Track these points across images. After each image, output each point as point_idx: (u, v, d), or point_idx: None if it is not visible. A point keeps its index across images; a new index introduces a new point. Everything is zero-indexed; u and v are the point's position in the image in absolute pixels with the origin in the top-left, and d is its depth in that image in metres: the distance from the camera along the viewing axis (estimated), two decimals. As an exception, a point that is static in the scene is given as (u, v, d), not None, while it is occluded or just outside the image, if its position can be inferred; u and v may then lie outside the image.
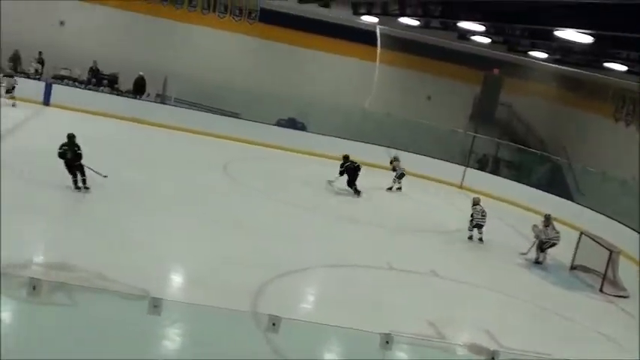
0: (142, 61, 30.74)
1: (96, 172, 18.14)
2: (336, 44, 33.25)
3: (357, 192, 23.36)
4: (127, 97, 30.23)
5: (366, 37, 31.43)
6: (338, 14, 31.16)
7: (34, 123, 25.15)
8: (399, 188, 25.35)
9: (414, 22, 26.14)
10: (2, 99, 25.86)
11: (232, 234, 16.67)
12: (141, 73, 30.45)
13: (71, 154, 17.82)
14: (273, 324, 7.42)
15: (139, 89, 30.59)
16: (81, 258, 13.06)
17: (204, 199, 19.36)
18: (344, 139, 27.58)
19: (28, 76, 29.94)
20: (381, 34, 30.75)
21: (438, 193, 26.38)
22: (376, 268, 16.45)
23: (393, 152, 26.06)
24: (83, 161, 17.90)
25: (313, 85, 32.17)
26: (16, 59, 30.86)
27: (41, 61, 30.76)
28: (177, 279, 14.41)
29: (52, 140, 18.39)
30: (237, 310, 10.55)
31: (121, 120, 27.61)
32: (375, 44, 31.10)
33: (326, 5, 29.97)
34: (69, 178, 17.84)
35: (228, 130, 27.78)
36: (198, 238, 15.99)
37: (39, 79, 29.71)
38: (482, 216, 20.50)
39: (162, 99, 31.42)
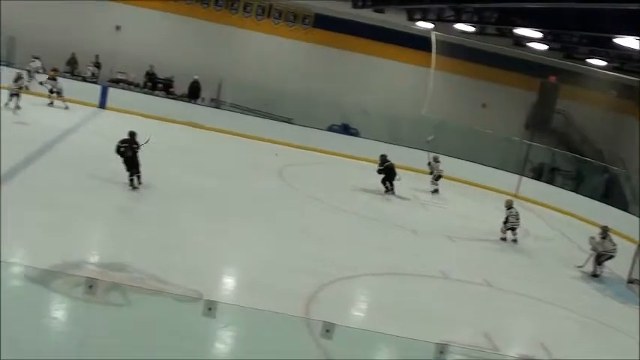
0: (197, 65, 30.98)
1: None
2: (390, 50, 33.10)
3: (392, 191, 23.63)
4: (182, 101, 30.45)
5: (420, 43, 31.24)
6: (392, 20, 31.02)
7: (90, 125, 25.47)
8: (436, 190, 25.32)
9: (470, 29, 25.96)
10: (55, 101, 26.30)
11: (286, 239, 16.65)
12: (196, 78, 30.67)
13: (131, 152, 18.18)
14: (327, 330, 7.37)
15: (193, 93, 30.80)
16: (136, 259, 13.15)
17: (259, 204, 19.36)
18: (397, 145, 27.46)
19: (84, 79, 30.34)
20: (436, 40, 30.56)
21: (492, 202, 26.10)
22: (430, 277, 16.27)
23: (432, 155, 25.86)
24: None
25: (367, 90, 32.09)
26: (73, 62, 31.28)
27: (98, 65, 31.16)
28: (230, 282, 14.40)
29: (107, 141, 18.66)
30: (290, 315, 10.50)
31: (176, 124, 27.85)
32: (429, 50, 30.92)
33: (380, 11, 29.89)
34: (125, 177, 18.06)
35: (282, 135, 27.82)
36: (253, 243, 15.97)
37: (95, 82, 30.08)
38: (517, 219, 20.48)
39: (216, 103, 31.61)
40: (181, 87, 31.32)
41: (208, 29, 32.49)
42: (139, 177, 18.39)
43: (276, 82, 30.92)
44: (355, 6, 30.35)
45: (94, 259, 13.37)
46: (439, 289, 15.94)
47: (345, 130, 30.92)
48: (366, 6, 29.36)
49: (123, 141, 18.33)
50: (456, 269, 17.03)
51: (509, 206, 20.74)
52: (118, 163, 18.51)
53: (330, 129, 30.29)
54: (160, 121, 27.56)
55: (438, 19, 26.44)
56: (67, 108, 26.35)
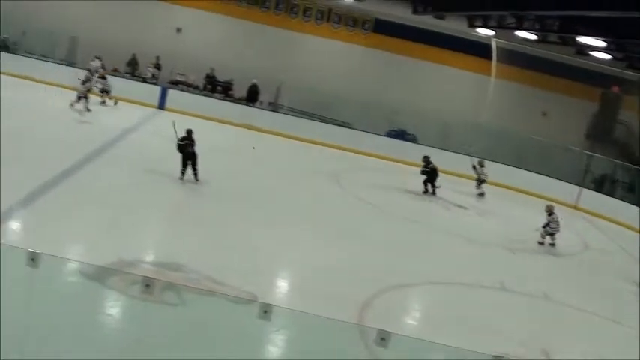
0: (256, 68, 31.07)
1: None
2: (450, 56, 32.81)
3: (433, 193, 23.74)
4: (240, 104, 30.57)
5: (481, 49, 30.99)
6: (453, 26, 30.74)
7: (149, 125, 25.71)
8: (482, 194, 25.16)
9: (531, 36, 25.64)
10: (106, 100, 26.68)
11: (342, 244, 16.51)
12: (254, 81, 30.77)
13: (191, 148, 18.66)
14: (382, 338, 7.25)
15: (252, 97, 30.90)
16: (191, 258, 13.19)
17: (314, 208, 19.32)
18: (455, 152, 27.23)
19: (144, 79, 30.65)
20: (496, 47, 30.27)
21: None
22: (487, 288, 16.03)
23: (477, 160, 25.59)
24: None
25: (426, 96, 31.87)
26: (133, 63, 31.63)
27: (158, 66, 31.45)
28: (284, 285, 14.37)
29: (166, 142, 18.85)
30: (344, 322, 10.40)
31: (234, 126, 28.00)
32: (489, 57, 30.64)
33: (441, 17, 29.67)
34: (187, 179, 18.22)
35: (340, 140, 27.74)
36: (307, 246, 15.92)
37: (155, 84, 30.36)
38: (557, 225, 20.37)
39: (274, 107, 31.66)
40: (240, 90, 31.44)
41: (267, 33, 32.59)
42: (195, 174, 18.81)
43: (334, 86, 30.87)
44: (415, 11, 30.19)
45: (150, 257, 13.43)
46: (496, 301, 15.66)
47: (402, 136, 30.73)
48: (427, 12, 29.18)
49: (182, 138, 18.81)
50: (513, 280, 16.75)
51: (550, 212, 20.59)
52: (176, 162, 18.73)
53: (388, 134, 30.12)
54: (218, 123, 27.73)
55: (499, 26, 26.15)
56: (116, 103, 26.60)
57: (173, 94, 29.57)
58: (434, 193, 23.81)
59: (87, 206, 15.23)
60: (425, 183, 23.81)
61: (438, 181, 23.88)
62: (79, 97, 24.55)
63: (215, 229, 15.55)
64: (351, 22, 32.96)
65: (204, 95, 30.81)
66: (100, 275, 11.11)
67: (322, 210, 19.38)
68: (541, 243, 20.49)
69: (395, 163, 27.32)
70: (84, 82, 24.82)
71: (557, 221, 20.39)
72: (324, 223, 18.00)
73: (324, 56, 32.62)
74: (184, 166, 18.76)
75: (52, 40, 31.61)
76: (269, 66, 31.53)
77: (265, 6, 32.60)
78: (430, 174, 23.82)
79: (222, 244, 14.58)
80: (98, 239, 13.66)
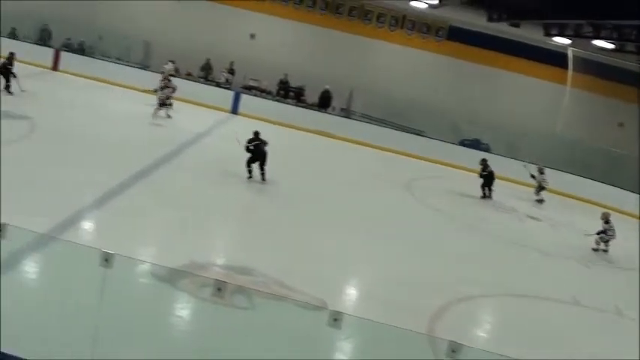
0: (329, 75, 31.12)
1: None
2: (525, 65, 32.33)
3: (489, 196, 23.66)
4: (313, 109, 30.61)
5: (556, 58, 30.48)
6: (528, 34, 30.30)
7: (222, 129, 25.91)
8: (541, 200, 24.80)
9: (609, 45, 25.14)
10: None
11: (413, 253, 16.35)
12: (327, 87, 30.79)
13: (262, 147, 19.10)
14: (453, 350, 7.13)
15: (324, 102, 30.93)
16: (261, 263, 13.18)
17: (386, 216, 19.15)
18: (530, 163, 26.80)
19: (218, 84, 30.92)
20: (572, 56, 29.75)
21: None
22: (560, 302, 15.66)
23: (537, 167, 25.22)
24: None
25: (500, 105, 31.51)
26: (207, 68, 31.94)
27: (232, 72, 31.69)
28: (354, 293, 14.27)
29: (238, 146, 19.00)
30: (415, 332, 10.29)
31: (306, 132, 28.06)
32: (565, 67, 30.13)
33: (516, 25, 29.29)
34: (254, 183, 18.27)
35: (412, 147, 27.55)
36: (378, 255, 15.78)
37: (229, 89, 30.60)
38: (613, 232, 20.11)
39: (346, 113, 31.63)
40: (312, 96, 31.50)
41: (341, 39, 32.60)
42: (263, 174, 19.13)
43: (407, 93, 30.75)
44: (490, 19, 29.85)
45: (221, 260, 13.48)
46: (569, 315, 15.29)
47: (476, 145, 30.37)
48: (502, 19, 28.83)
49: (251, 140, 19.16)
50: (585, 294, 16.36)
51: (606, 219, 20.27)
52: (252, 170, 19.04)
53: (462, 143, 29.81)
54: (289, 129, 27.82)
55: (576, 35, 25.70)
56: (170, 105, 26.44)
57: (246, 99, 29.78)
58: (490, 197, 23.68)
59: (160, 208, 15.38)
60: (482, 187, 23.65)
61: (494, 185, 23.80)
62: (161, 105, 24.64)
63: (285, 234, 15.53)
64: (424, 28, 32.76)
65: (277, 101, 30.93)
66: (172, 277, 11.17)
67: (393, 218, 19.21)
68: (595, 250, 20.18)
69: (468, 173, 26.91)
70: (162, 89, 24.94)
71: (613, 229, 20.10)
72: (394, 231, 17.82)
73: (397, 63, 32.49)
74: (250, 164, 19.18)
75: (127, 44, 32.17)
76: (342, 72, 31.55)
77: (339, 12, 32.62)
78: (487, 178, 23.67)
79: (292, 249, 14.54)
80: (170, 241, 13.78)
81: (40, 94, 24.79)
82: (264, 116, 28.33)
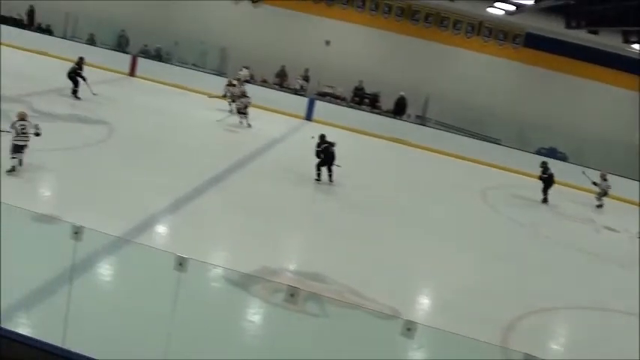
0: (404, 81, 30.96)
1: None
2: (603, 73, 31.58)
3: (545, 200, 23.27)
4: (387, 116, 30.47)
5: (635, 66, 29.77)
6: (607, 41, 29.63)
7: (296, 136, 25.98)
8: (600, 206, 24.24)
9: (690, 52, 24.51)
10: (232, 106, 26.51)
11: (486, 263, 16.10)
12: (402, 94, 30.63)
13: (331, 149, 19.34)
14: (527, 363, 6.97)
15: (399, 109, 30.77)
16: (334, 270, 13.12)
17: (461, 225, 18.90)
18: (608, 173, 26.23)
19: (295, 91, 31.01)
20: (652, 64, 29.06)
21: None
22: (634, 315, 15.25)
23: (589, 173, 24.68)
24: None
25: (577, 113, 30.86)
26: (282, 75, 32.08)
27: (306, 78, 31.76)
28: (426, 302, 14.10)
29: (311, 153, 19.05)
30: (487, 343, 10.09)
31: (380, 139, 27.96)
32: (645, 74, 29.46)
33: (594, 32, 28.68)
34: (328, 189, 18.25)
35: (488, 155, 27.20)
36: (451, 264, 15.54)
37: (303, 95, 30.67)
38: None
39: (422, 120, 31.42)
40: (387, 102, 31.37)
41: (416, 45, 32.41)
42: (330, 175, 19.45)
43: (483, 100, 30.43)
44: (568, 26, 29.25)
45: (293, 267, 13.45)
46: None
47: (553, 153, 29.82)
48: (580, 26, 28.23)
49: (319, 144, 19.45)
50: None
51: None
52: (322, 173, 18.99)
53: (538, 152, 29.28)
54: (364, 136, 27.75)
55: (656, 43, 25.08)
56: (231, 112, 26.11)
57: (320, 105, 29.79)
58: (546, 201, 23.33)
59: (233, 213, 15.45)
60: (543, 191, 23.35)
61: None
62: (240, 113, 24.71)
63: (358, 241, 15.41)
64: (501, 35, 32.35)
65: (352, 107, 30.87)
66: (244, 282, 11.19)
67: (468, 227, 18.95)
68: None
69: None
70: (240, 97, 24.99)
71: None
72: (469, 240, 17.57)
73: (473, 70, 32.14)
74: (320, 167, 19.44)
75: (204, 50, 32.54)
76: (417, 79, 31.38)
77: (415, 18, 32.44)
78: (547, 181, 23.35)
79: (366, 257, 14.45)
80: (243, 246, 13.81)
81: (118, 99, 25.21)
82: (338, 123, 28.32)
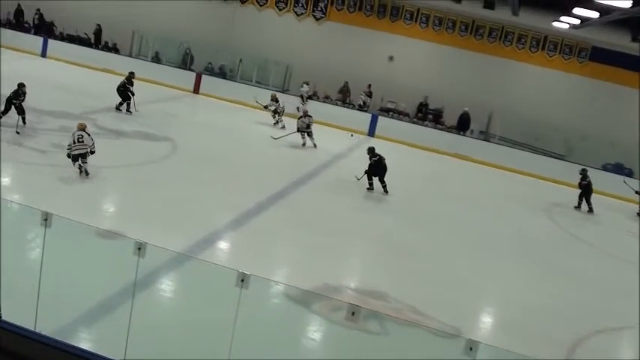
0: (468, 97, 30.78)
1: None
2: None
3: (590, 210, 23.18)
4: (451, 132, 30.27)
5: None
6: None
7: (358, 152, 25.92)
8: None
9: None
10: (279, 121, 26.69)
11: (551, 281, 15.82)
12: (466, 109, 30.41)
13: (380, 164, 19.86)
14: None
15: (463, 125, 30.55)
16: (395, 287, 13.05)
17: (523, 242, 18.63)
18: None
19: (360, 107, 30.99)
20: None
21: None
22: None
23: (631, 181, 24.82)
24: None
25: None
26: (345, 91, 32.11)
27: (369, 94, 31.73)
28: (489, 321, 13.92)
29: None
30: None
31: (444, 155, 27.80)
32: None
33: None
34: (394, 206, 18.22)
35: (553, 171, 26.79)
36: (515, 282, 15.32)
37: (366, 111, 30.65)
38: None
39: (485, 136, 31.14)
40: (451, 118, 31.18)
41: (480, 60, 32.22)
42: (384, 186, 19.92)
43: (548, 115, 30.08)
44: (634, 39, 28.85)
45: (355, 284, 13.39)
46: None
47: (619, 169, 29.26)
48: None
49: (371, 157, 20.07)
50: None
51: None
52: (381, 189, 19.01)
53: (604, 168, 28.76)
54: (427, 152, 27.61)
55: None
56: (283, 127, 26.15)
57: (383, 121, 29.73)
58: (591, 210, 23.18)
59: (295, 229, 15.46)
60: (580, 197, 23.34)
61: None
62: (301, 132, 24.28)
63: (420, 259, 15.32)
64: (567, 50, 31.95)
65: (415, 123, 30.74)
66: (305, 299, 11.16)
67: (531, 244, 18.66)
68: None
69: (608, 198, 25.94)
70: (302, 117, 24.75)
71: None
72: (532, 257, 17.32)
73: (537, 84, 31.79)
74: (371, 177, 20.00)
75: (267, 67, 32.78)
76: (481, 94, 31.19)
77: (479, 33, 32.24)
78: (585, 188, 23.22)
79: (426, 274, 14.36)
80: (304, 263, 13.81)
81: (182, 116, 25.50)
82: (401, 139, 28.28)
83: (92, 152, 16.19)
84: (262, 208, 16.46)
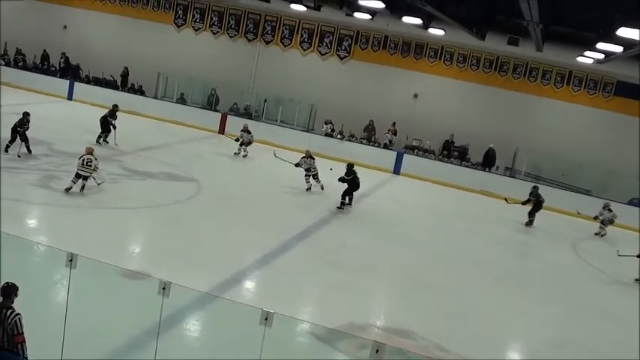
0: (493, 133, 30.69)
1: None
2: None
3: (529, 222, 23.87)
4: (476, 169, 30.19)
5: None
6: None
7: (384, 190, 26.00)
8: (600, 233, 24.32)
9: None
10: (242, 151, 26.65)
11: (576, 316, 15.67)
12: (491, 146, 30.32)
13: (354, 182, 21.16)
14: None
15: (488, 162, 30.45)
16: (421, 325, 12.97)
17: (550, 277, 18.51)
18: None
19: (385, 145, 30.99)
20: None
21: None
22: None
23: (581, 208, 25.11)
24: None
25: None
26: (370, 129, 32.16)
27: (394, 132, 31.76)
28: (515, 356, 13.81)
29: (398, 207, 18.96)
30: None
31: (470, 192, 27.74)
32: None
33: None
34: (419, 244, 18.14)
35: (579, 207, 26.56)
36: (540, 317, 15.14)
37: (391, 149, 30.67)
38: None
39: (511, 172, 31.02)
40: (476, 155, 31.10)
41: (505, 97, 32.18)
42: (351, 199, 21.38)
43: (573, 151, 29.92)
44: (659, 73, 28.74)
45: (380, 322, 13.33)
46: None
47: (645, 204, 29.01)
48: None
49: (348, 173, 21.39)
50: None
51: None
52: (407, 227, 18.84)
53: (630, 202, 28.49)
54: (453, 189, 27.58)
55: None
56: (245, 156, 26.38)
57: (409, 159, 29.75)
58: (531, 224, 23.83)
59: (319, 268, 15.44)
60: (530, 213, 23.92)
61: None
62: (309, 177, 23.47)
63: (445, 295, 15.23)
64: (591, 84, 31.85)
65: (440, 161, 30.71)
66: (330, 337, 11.13)
67: (558, 279, 18.54)
68: None
69: (635, 233, 25.64)
70: (308, 176, 23.48)
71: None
72: (558, 293, 17.21)
73: (563, 120, 31.65)
74: (345, 196, 21.27)
75: (292, 107, 32.97)
76: (506, 130, 31.12)
77: (503, 70, 32.25)
78: (536, 205, 23.87)
79: (452, 311, 14.25)
80: (329, 301, 13.78)
81: (207, 156, 25.62)
82: (427, 176, 28.30)
83: (98, 184, 18.12)
84: (287, 247, 16.50)
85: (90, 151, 17.92)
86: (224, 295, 12.14)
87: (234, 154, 26.50)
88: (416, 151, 31.36)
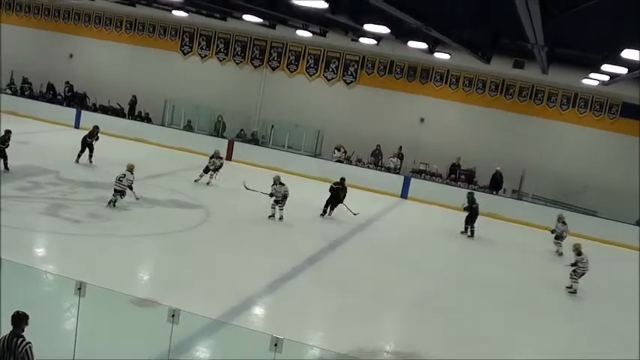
0: (500, 156, 30.76)
1: None
2: None
3: (470, 233, 24.08)
4: (484, 192, 30.13)
5: None
6: None
7: (392, 214, 26.00)
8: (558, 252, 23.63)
9: None
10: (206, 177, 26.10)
11: (588, 338, 15.67)
12: (498, 169, 30.31)
13: (337, 194, 22.80)
14: None
15: (495, 184, 30.42)
16: (431, 350, 12.94)
17: (556, 298, 18.52)
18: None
19: (394, 170, 31.01)
20: None
21: None
22: None
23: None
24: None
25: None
26: (377, 154, 32.19)
27: (401, 156, 31.79)
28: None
29: (407, 231, 18.93)
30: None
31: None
32: None
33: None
34: (428, 267, 18.09)
35: (586, 228, 26.46)
36: (551, 339, 15.10)
37: (398, 173, 30.68)
38: (587, 263, 19.08)
39: (518, 195, 30.99)
40: (483, 178, 31.08)
41: (511, 120, 32.21)
42: (332, 210, 22.72)
43: (580, 173, 29.90)
44: (664, 94, 28.71)
45: (390, 346, 13.30)
46: None
47: (656, 225, 28.92)
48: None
49: (336, 183, 23.14)
50: None
51: (579, 252, 19.25)
52: (417, 251, 18.79)
53: (638, 223, 28.40)
54: (460, 212, 27.52)
55: None
56: (208, 184, 25.70)
57: (416, 183, 29.77)
58: (472, 234, 23.93)
59: (328, 293, 15.43)
60: (466, 222, 24.11)
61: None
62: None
63: (454, 320, 15.22)
64: (597, 106, 31.85)
65: (448, 184, 30.69)
66: (341, 363, 11.10)
67: (565, 301, 18.53)
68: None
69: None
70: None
71: (587, 261, 19.14)
72: (566, 314, 17.31)
73: (569, 142, 31.67)
74: (328, 205, 23.01)
75: (299, 133, 33.06)
76: (513, 153, 31.15)
77: (509, 93, 32.29)
78: (472, 212, 24.00)
79: (462, 336, 14.25)
80: (338, 326, 13.77)
81: (214, 183, 25.59)
82: (434, 200, 28.30)
83: (137, 198, 19.76)
84: (297, 272, 16.53)
85: (130, 168, 19.44)
86: (234, 322, 12.14)
87: (195, 181, 25.69)
88: (423, 175, 31.36)
